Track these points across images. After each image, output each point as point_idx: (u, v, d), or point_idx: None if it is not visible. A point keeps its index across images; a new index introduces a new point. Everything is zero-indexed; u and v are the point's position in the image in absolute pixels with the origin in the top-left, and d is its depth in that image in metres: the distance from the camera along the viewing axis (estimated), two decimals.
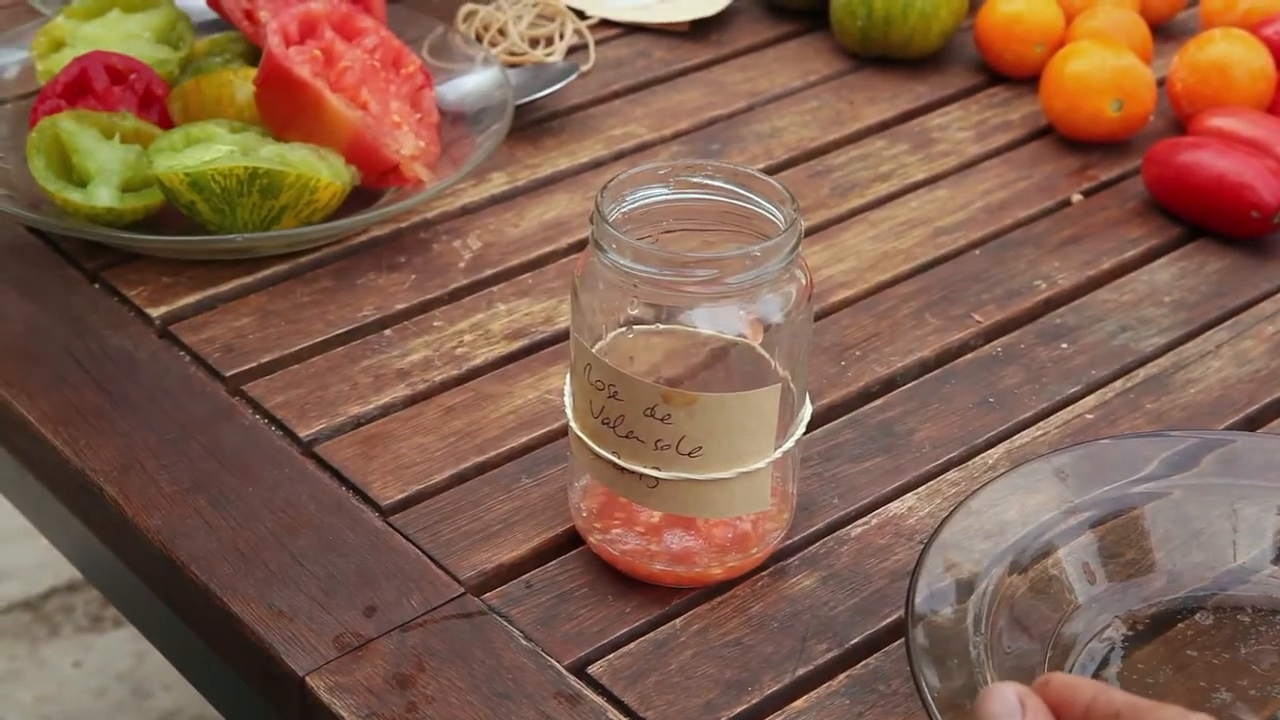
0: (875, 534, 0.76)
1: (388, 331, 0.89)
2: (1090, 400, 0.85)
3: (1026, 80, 1.15)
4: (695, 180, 0.69)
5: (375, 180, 0.97)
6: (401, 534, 0.75)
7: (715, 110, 1.12)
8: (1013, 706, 0.53)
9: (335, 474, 0.79)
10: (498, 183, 1.02)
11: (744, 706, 0.67)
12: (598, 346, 0.68)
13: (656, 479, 0.69)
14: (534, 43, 1.16)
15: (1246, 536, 0.74)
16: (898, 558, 0.75)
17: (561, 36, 1.18)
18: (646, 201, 0.69)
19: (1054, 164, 1.07)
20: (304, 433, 0.81)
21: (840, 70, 1.18)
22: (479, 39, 1.15)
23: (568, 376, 0.72)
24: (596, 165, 1.05)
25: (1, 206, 0.92)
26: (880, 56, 1.18)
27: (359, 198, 0.96)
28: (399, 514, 0.77)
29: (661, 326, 0.67)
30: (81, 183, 0.93)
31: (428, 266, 0.94)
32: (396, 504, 0.77)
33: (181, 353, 0.87)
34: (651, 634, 0.71)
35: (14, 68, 1.05)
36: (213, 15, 1.05)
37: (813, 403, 0.74)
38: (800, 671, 0.69)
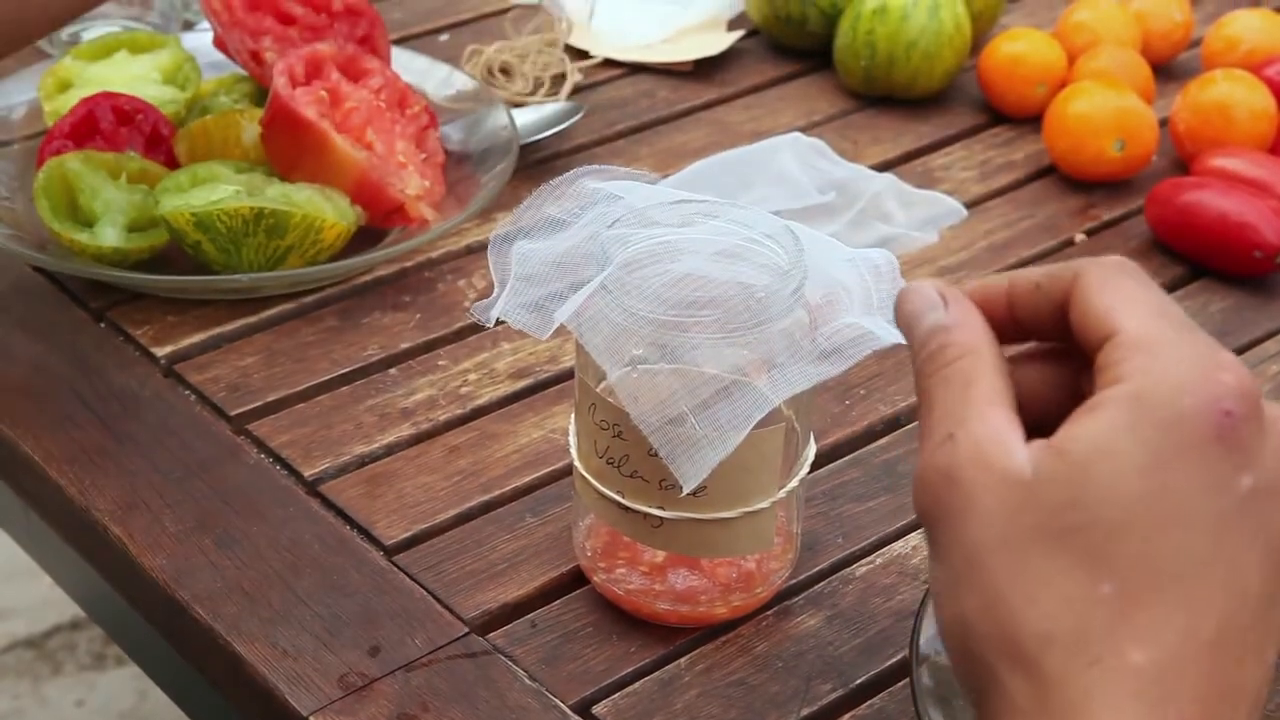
0: (880, 573, 0.76)
1: (392, 371, 0.89)
2: None
3: (1029, 120, 1.16)
4: (700, 219, 0.70)
5: (380, 220, 0.97)
6: (406, 573, 0.75)
7: (719, 150, 1.12)
8: (934, 301, 0.51)
9: (340, 513, 0.79)
10: (502, 222, 1.02)
11: None
12: (602, 386, 0.69)
13: (661, 519, 0.69)
14: (538, 83, 1.17)
15: None
16: (902, 597, 0.75)
17: (565, 77, 1.18)
18: (651, 241, 0.69)
19: (1057, 203, 1.07)
20: (309, 472, 0.81)
21: (844, 110, 1.18)
22: (484, 80, 1.16)
23: (572, 416, 0.73)
24: None
25: (8, 246, 0.92)
26: (883, 96, 1.19)
27: (364, 237, 0.96)
28: (403, 553, 0.77)
29: (666, 366, 0.67)
30: (88, 223, 0.93)
31: (432, 306, 0.94)
32: (401, 543, 0.77)
33: (186, 392, 0.87)
34: (656, 673, 0.71)
35: (21, 108, 1.06)
36: (219, 56, 1.05)
37: (817, 442, 0.74)
38: (805, 712, 0.69)
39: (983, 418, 0.48)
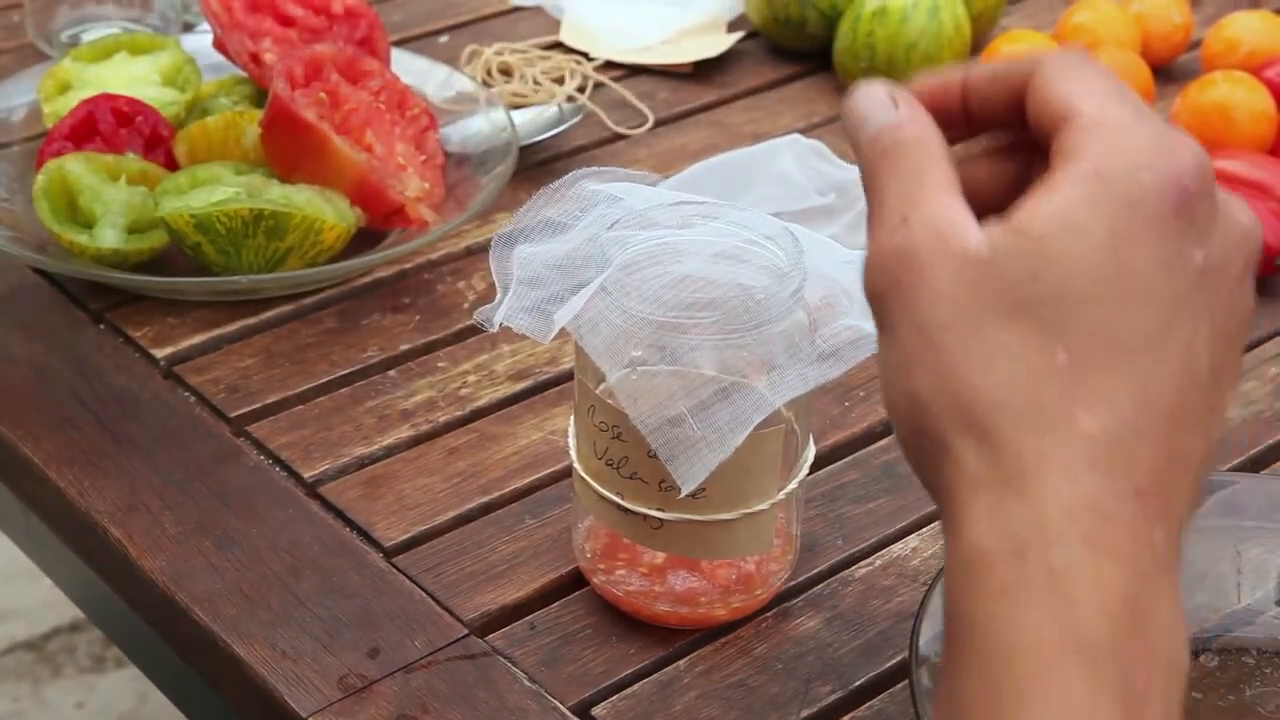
0: (879, 575, 0.76)
1: (392, 372, 0.89)
2: None
3: None
4: (700, 221, 0.70)
5: (380, 222, 0.97)
6: (405, 575, 0.75)
7: (719, 151, 1.12)
8: (885, 102, 0.51)
9: (339, 515, 0.79)
10: (502, 224, 1.02)
11: None
12: (601, 388, 0.69)
13: (661, 520, 0.69)
14: (538, 84, 1.17)
15: (1250, 578, 0.74)
16: (902, 599, 0.75)
17: (565, 79, 1.18)
18: (650, 243, 0.69)
19: None
20: (308, 473, 0.81)
21: None
22: (484, 81, 1.16)
23: (571, 418, 0.73)
24: None
25: (8, 248, 0.92)
26: None
27: (364, 239, 0.96)
28: (403, 555, 0.77)
29: (665, 367, 0.67)
30: (87, 224, 0.93)
31: (432, 308, 0.94)
32: (400, 545, 0.77)
33: (186, 394, 0.87)
34: (655, 675, 0.71)
35: (21, 110, 1.06)
36: (219, 58, 1.05)
37: (816, 444, 0.74)
38: (804, 713, 0.69)
39: (937, 202, 0.49)
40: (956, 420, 0.46)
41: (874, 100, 0.51)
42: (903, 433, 0.49)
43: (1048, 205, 0.47)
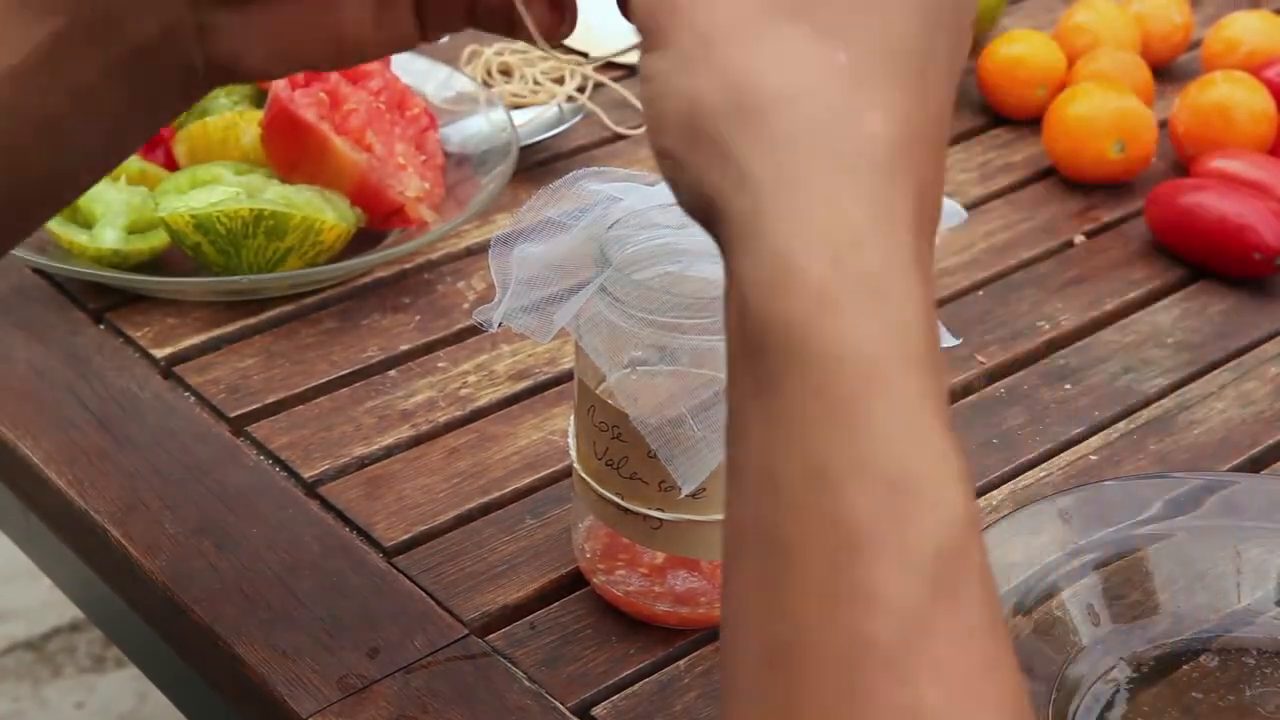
0: None
1: (392, 372, 0.89)
2: (1094, 441, 0.85)
3: (1029, 122, 1.16)
4: None
5: (380, 222, 0.97)
6: (405, 575, 0.75)
7: None
8: None
9: (339, 515, 0.79)
10: (502, 224, 1.02)
11: None
12: (601, 388, 0.69)
13: (661, 520, 0.69)
14: (538, 84, 1.17)
15: (1250, 578, 0.74)
16: None
17: (565, 79, 1.18)
18: (650, 243, 0.69)
19: (1056, 205, 1.07)
20: (308, 474, 0.81)
21: None
22: (484, 81, 1.16)
23: (571, 418, 0.73)
24: None
25: None
26: None
27: (364, 239, 0.96)
28: (403, 555, 0.77)
29: (665, 367, 0.67)
30: (87, 224, 0.93)
31: (432, 308, 0.94)
32: (400, 545, 0.77)
33: (186, 394, 0.87)
34: (655, 675, 0.71)
35: None
36: None
37: None
38: None
39: None
40: (742, 121, 0.45)
41: None
42: (673, 144, 0.47)
43: None
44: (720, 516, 0.68)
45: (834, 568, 0.42)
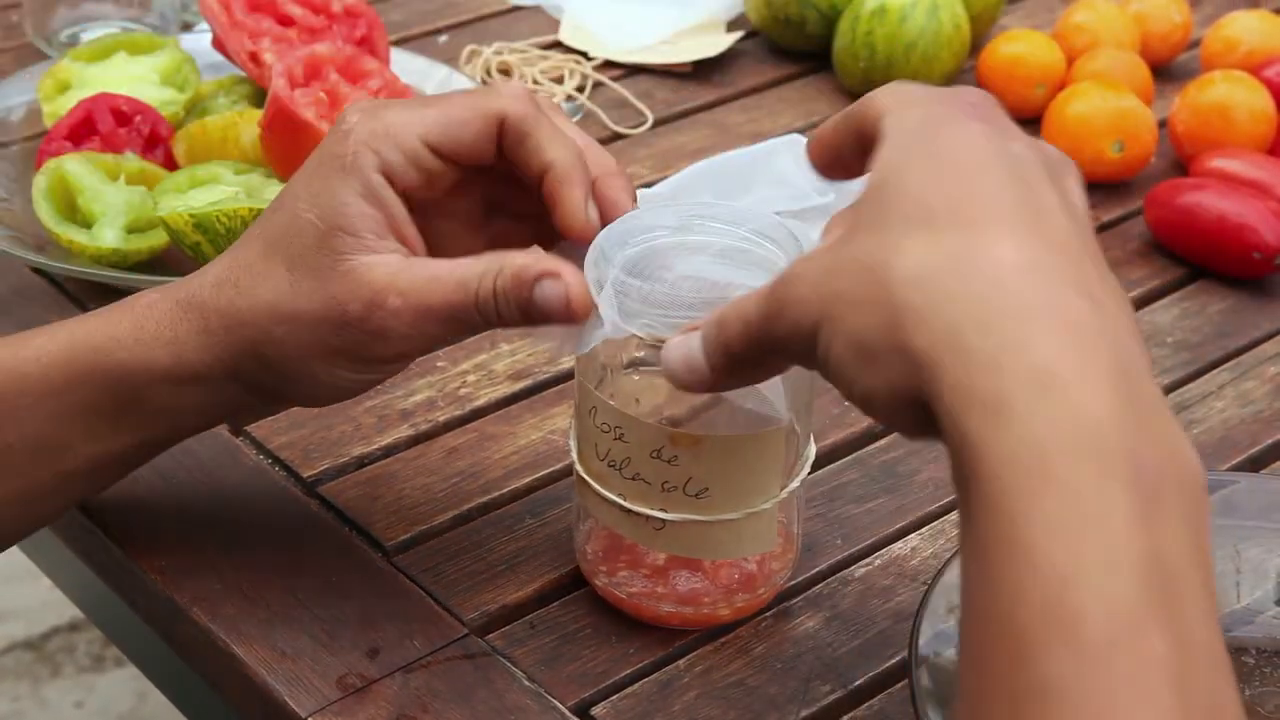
0: (879, 574, 0.76)
1: None
2: None
3: (1028, 121, 1.16)
4: (699, 220, 0.70)
5: None
6: (405, 575, 0.75)
7: (718, 151, 1.12)
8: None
9: (339, 515, 0.79)
10: None
11: None
12: (602, 389, 0.68)
13: (663, 521, 0.69)
14: (537, 84, 1.17)
15: (1250, 578, 0.74)
16: (901, 598, 0.75)
17: (562, 81, 1.18)
18: (650, 243, 0.69)
19: None
20: (308, 473, 0.81)
21: None
22: (483, 81, 1.16)
23: (571, 420, 0.72)
24: None
25: (7, 248, 0.92)
26: None
27: None
28: (402, 555, 0.77)
29: None
30: (86, 224, 0.93)
31: None
32: (400, 545, 0.77)
33: None
34: (655, 675, 0.71)
35: (20, 110, 1.06)
36: (218, 57, 1.05)
37: (816, 443, 0.74)
38: (804, 713, 0.69)
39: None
40: (944, 344, 0.49)
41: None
42: (897, 401, 0.52)
43: (884, 153, 0.55)
44: (722, 516, 0.69)
45: None
